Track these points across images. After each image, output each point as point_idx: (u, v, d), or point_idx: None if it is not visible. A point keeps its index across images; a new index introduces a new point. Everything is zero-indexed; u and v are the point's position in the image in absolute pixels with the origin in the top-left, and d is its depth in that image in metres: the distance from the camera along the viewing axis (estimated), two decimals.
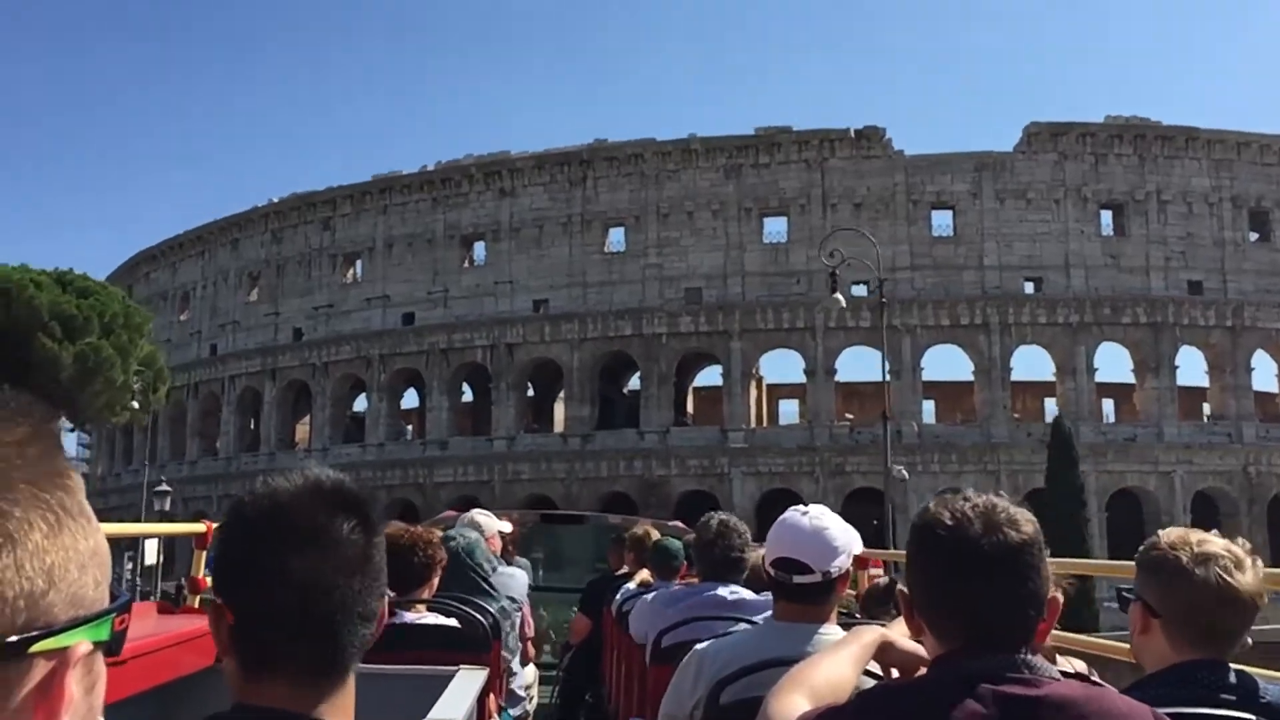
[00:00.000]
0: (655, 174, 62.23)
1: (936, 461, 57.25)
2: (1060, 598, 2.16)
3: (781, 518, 3.65)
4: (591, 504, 58.93)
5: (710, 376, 68.53)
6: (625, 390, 68.22)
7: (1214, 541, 2.83)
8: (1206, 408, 63.30)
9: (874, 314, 58.24)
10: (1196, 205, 60.35)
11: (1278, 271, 60.72)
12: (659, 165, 62.29)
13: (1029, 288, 59.30)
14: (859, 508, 59.12)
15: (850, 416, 61.64)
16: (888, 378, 60.79)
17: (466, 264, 66.08)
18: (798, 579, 3.47)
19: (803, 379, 65.23)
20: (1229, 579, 2.70)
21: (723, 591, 5.27)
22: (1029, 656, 2.04)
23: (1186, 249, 59.94)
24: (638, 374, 64.90)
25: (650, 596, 6.05)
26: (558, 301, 62.64)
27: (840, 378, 60.19)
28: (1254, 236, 61.28)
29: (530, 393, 66.60)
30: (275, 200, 72.90)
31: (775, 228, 61.02)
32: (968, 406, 62.04)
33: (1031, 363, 72.57)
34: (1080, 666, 3.56)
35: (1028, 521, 2.12)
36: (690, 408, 67.15)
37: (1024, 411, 61.77)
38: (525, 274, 63.63)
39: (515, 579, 7.03)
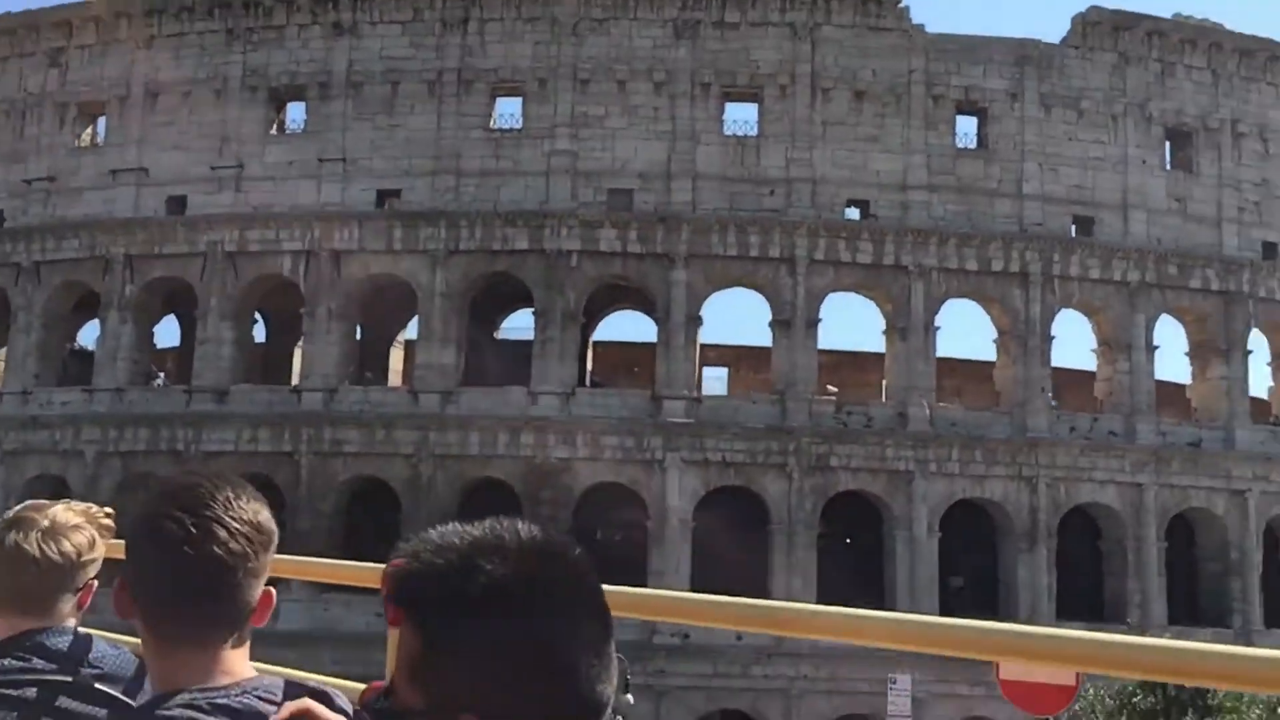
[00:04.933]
0: (572, 23, 42.93)
1: (955, 458, 40.65)
2: None
3: None
4: (452, 495, 39.64)
5: (618, 327, 50.01)
6: (497, 334, 48.66)
7: (41, 506, 3.02)
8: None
9: (874, 246, 41.50)
10: (1274, 144, 46.37)
11: None
12: (578, 10, 43.01)
13: (1073, 229, 43.64)
14: (842, 520, 41.95)
15: (834, 389, 44.25)
16: (886, 339, 44.22)
17: (275, 130, 44.77)
18: None
19: (737, 339, 47.83)
20: (24, 544, 2.88)
21: None
22: None
23: (1262, 199, 45.83)
24: (524, 311, 45.61)
25: None
26: (415, 194, 42.41)
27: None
28: None
29: (358, 331, 45.88)
30: None
31: (742, 114, 42.96)
32: (986, 387, 45.78)
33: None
34: None
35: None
36: (589, 366, 48.08)
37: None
38: (367, 150, 43.00)
39: None
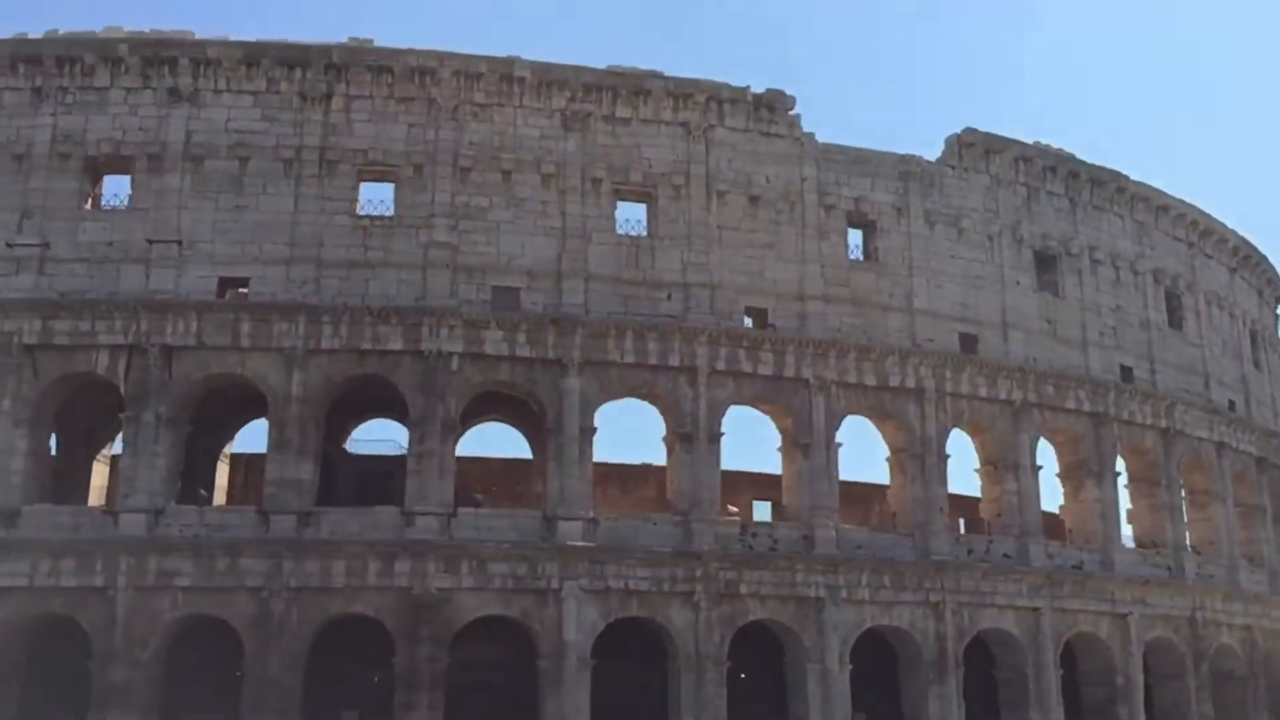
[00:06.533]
0: (452, 106, 39.08)
1: (865, 583, 38.09)
2: None
3: None
4: (307, 635, 33.72)
5: (488, 441, 45.19)
6: (347, 446, 42.81)
7: None
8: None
9: (775, 357, 39.26)
10: (1124, 272, 47.83)
11: (1194, 369, 49.43)
12: (460, 93, 39.26)
13: (958, 346, 42.85)
14: (755, 654, 38.33)
15: (735, 510, 40.98)
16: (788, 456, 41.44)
17: (89, 205, 38.14)
18: None
19: (610, 455, 44.28)
20: None
21: None
22: None
23: (1118, 325, 46.91)
24: (377, 421, 40.34)
25: None
26: (266, 284, 36.76)
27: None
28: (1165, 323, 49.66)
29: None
30: None
31: (633, 214, 40.08)
32: (869, 509, 43.78)
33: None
34: None
35: None
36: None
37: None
38: (208, 232, 37.13)
39: None
